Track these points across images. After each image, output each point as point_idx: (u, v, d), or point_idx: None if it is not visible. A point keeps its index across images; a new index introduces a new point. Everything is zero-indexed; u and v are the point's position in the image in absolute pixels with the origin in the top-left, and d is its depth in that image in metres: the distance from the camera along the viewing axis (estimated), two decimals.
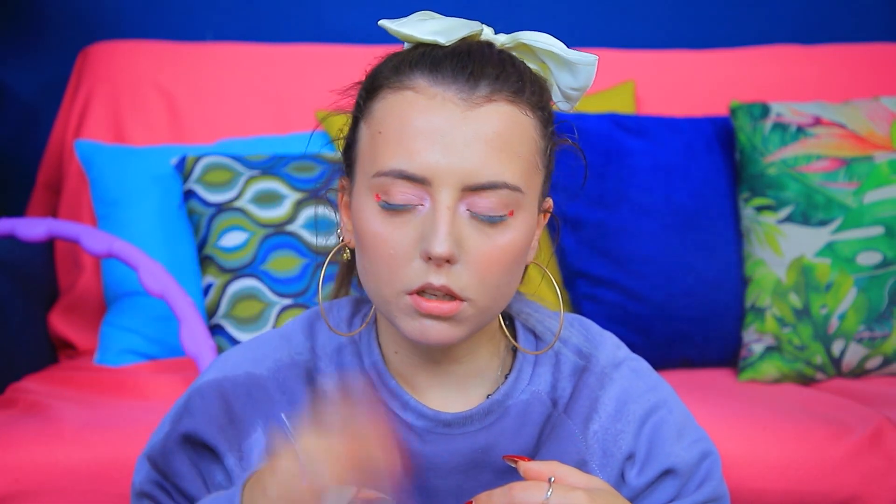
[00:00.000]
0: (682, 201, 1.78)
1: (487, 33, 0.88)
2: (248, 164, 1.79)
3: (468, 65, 0.83)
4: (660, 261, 1.76)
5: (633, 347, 1.01)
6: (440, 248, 0.81)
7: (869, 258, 1.71)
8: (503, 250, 0.83)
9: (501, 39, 0.88)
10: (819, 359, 1.71)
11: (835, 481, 1.43)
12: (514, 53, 0.88)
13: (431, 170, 0.81)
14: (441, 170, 0.81)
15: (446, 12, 0.91)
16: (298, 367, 0.93)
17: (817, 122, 1.78)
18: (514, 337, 0.94)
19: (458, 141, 0.81)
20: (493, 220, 0.83)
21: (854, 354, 1.71)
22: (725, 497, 0.94)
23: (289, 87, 1.98)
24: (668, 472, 0.91)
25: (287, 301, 1.70)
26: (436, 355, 0.91)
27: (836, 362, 1.71)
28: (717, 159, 1.82)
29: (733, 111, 1.81)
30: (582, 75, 0.87)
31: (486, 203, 0.82)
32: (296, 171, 1.78)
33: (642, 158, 1.79)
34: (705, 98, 2.02)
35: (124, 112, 1.97)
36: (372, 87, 0.86)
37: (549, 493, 0.78)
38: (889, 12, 2.23)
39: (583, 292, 1.78)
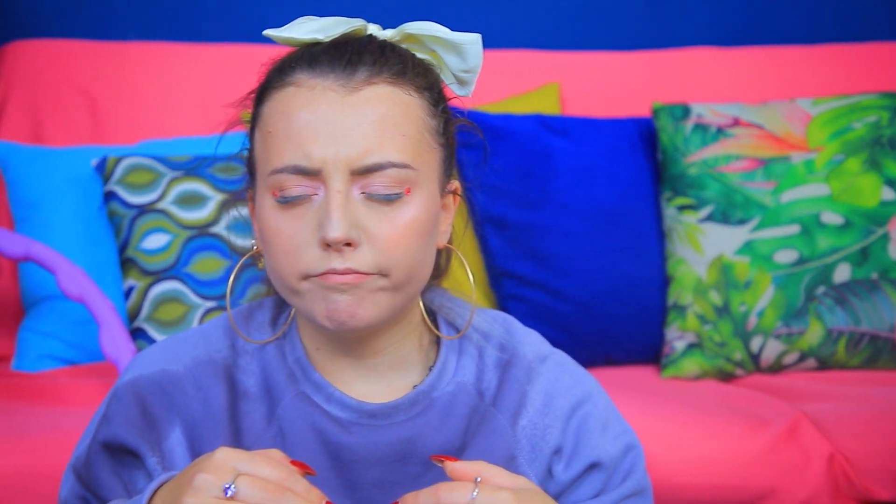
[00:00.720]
0: (607, 201, 1.80)
1: (372, 29, 0.90)
2: (171, 165, 1.76)
3: (345, 53, 0.85)
4: (584, 260, 1.78)
5: (558, 346, 1.02)
6: (334, 232, 0.82)
7: (786, 256, 1.75)
8: (405, 227, 0.84)
9: (388, 34, 0.90)
10: (738, 355, 1.75)
11: (753, 475, 1.47)
12: (403, 46, 0.90)
13: (320, 159, 0.83)
14: (329, 158, 0.83)
15: (360, 16, 0.92)
16: (216, 365, 0.92)
17: (736, 122, 1.82)
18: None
19: (341, 127, 0.83)
20: (388, 199, 0.84)
21: (772, 350, 1.75)
22: (649, 489, 0.95)
23: (213, 87, 1.96)
24: (594, 466, 0.92)
25: (211, 303, 1.68)
26: (357, 349, 0.90)
27: (755, 358, 1.75)
28: (641, 160, 1.84)
29: (655, 112, 1.84)
30: (469, 56, 0.89)
31: (378, 183, 0.84)
32: (220, 173, 1.76)
33: (567, 159, 1.81)
34: (629, 99, 2.04)
35: (43, 112, 1.93)
36: (261, 93, 0.88)
37: (475, 493, 0.78)
38: (804, 16, 2.28)
39: (508, 292, 1.79)
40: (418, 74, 0.87)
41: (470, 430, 0.91)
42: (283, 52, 0.90)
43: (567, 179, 1.80)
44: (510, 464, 0.91)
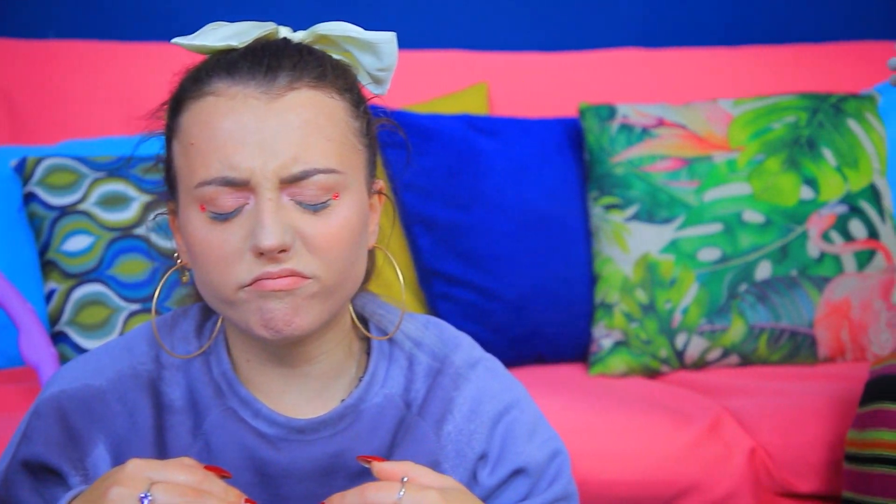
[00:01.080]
0: (535, 201, 1.82)
1: (284, 32, 0.89)
2: (94, 165, 1.73)
3: (264, 59, 0.84)
4: (513, 259, 1.79)
5: (488, 345, 1.03)
6: (268, 240, 0.81)
7: (709, 254, 1.78)
8: (338, 229, 0.84)
9: (300, 36, 0.89)
10: (664, 352, 1.77)
11: (677, 470, 1.49)
12: (316, 47, 0.89)
13: (248, 170, 0.82)
14: (256, 168, 0.82)
15: (279, 19, 0.92)
16: (140, 378, 0.90)
17: (660, 123, 1.84)
18: (368, 340, 0.94)
19: (267, 135, 0.82)
20: (316, 209, 0.84)
21: (696, 347, 1.78)
22: (574, 495, 0.96)
23: (136, 86, 1.93)
24: (519, 472, 0.93)
25: (135, 306, 1.65)
26: (289, 357, 0.89)
27: (680, 355, 1.78)
28: (568, 160, 1.86)
29: (582, 112, 1.86)
30: (384, 54, 0.89)
31: (307, 192, 0.83)
32: (144, 173, 1.73)
33: (495, 159, 1.82)
34: (556, 99, 2.06)
35: None
36: (176, 103, 0.87)
37: (401, 492, 0.78)
38: (726, 19, 2.33)
39: (438, 291, 1.79)
40: (338, 76, 0.87)
41: (396, 441, 0.91)
42: (196, 58, 0.88)
43: (496, 179, 1.81)
44: (434, 469, 0.91)
